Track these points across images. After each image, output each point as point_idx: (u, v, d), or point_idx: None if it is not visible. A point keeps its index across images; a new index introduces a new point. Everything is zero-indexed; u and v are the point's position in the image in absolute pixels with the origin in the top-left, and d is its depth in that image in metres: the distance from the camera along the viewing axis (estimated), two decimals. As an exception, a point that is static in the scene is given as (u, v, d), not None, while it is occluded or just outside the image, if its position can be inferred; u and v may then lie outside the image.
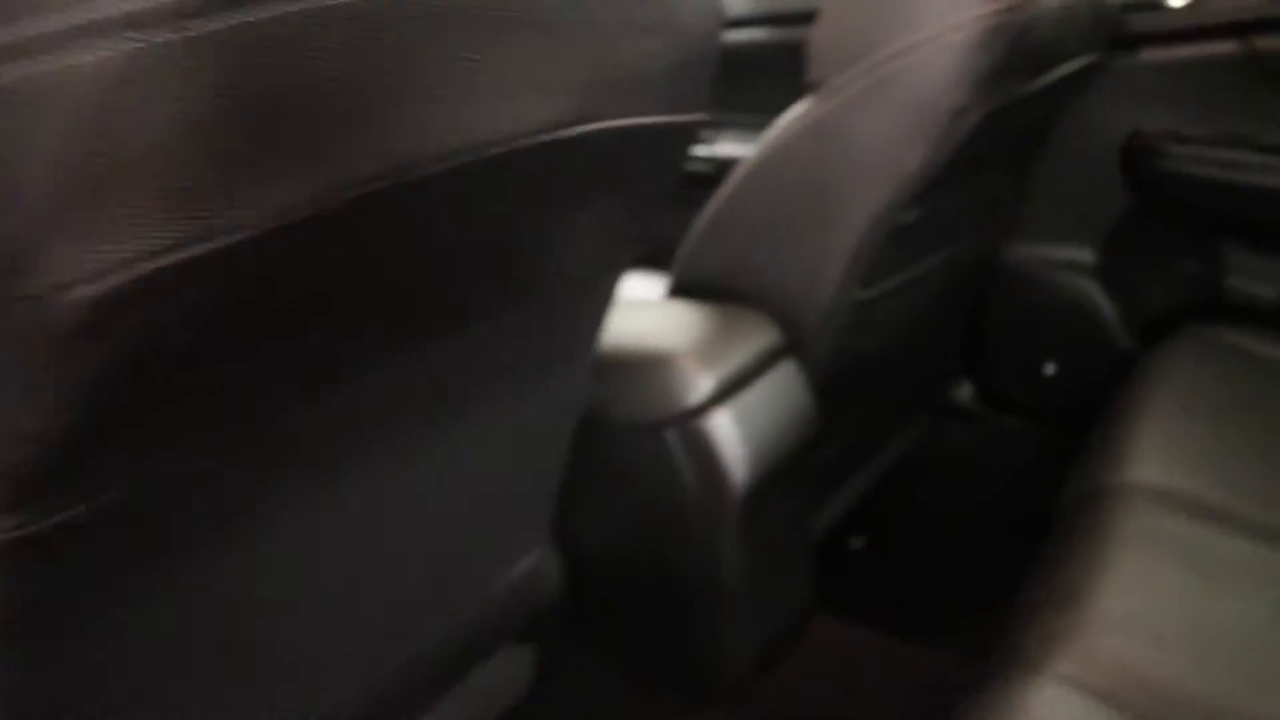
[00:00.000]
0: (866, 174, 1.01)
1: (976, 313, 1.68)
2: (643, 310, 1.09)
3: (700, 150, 1.83)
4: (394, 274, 0.54)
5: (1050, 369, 1.67)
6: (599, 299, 0.80)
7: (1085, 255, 1.61)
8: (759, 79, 1.75)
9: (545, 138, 0.56)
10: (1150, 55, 1.48)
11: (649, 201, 0.76)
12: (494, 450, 0.79)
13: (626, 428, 1.00)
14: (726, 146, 1.81)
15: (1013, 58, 0.98)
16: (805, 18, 1.03)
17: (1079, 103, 1.47)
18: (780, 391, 1.04)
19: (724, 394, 0.98)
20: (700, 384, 0.96)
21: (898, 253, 1.10)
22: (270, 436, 0.55)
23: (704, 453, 0.97)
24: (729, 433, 0.97)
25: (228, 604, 0.61)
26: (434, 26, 0.46)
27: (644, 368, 0.98)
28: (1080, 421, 1.53)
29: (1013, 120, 1.09)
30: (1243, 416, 1.15)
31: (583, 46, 0.56)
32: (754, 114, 1.78)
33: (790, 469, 1.05)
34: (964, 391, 1.77)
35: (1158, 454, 1.07)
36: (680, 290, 1.15)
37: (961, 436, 1.78)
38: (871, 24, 0.98)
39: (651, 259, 1.55)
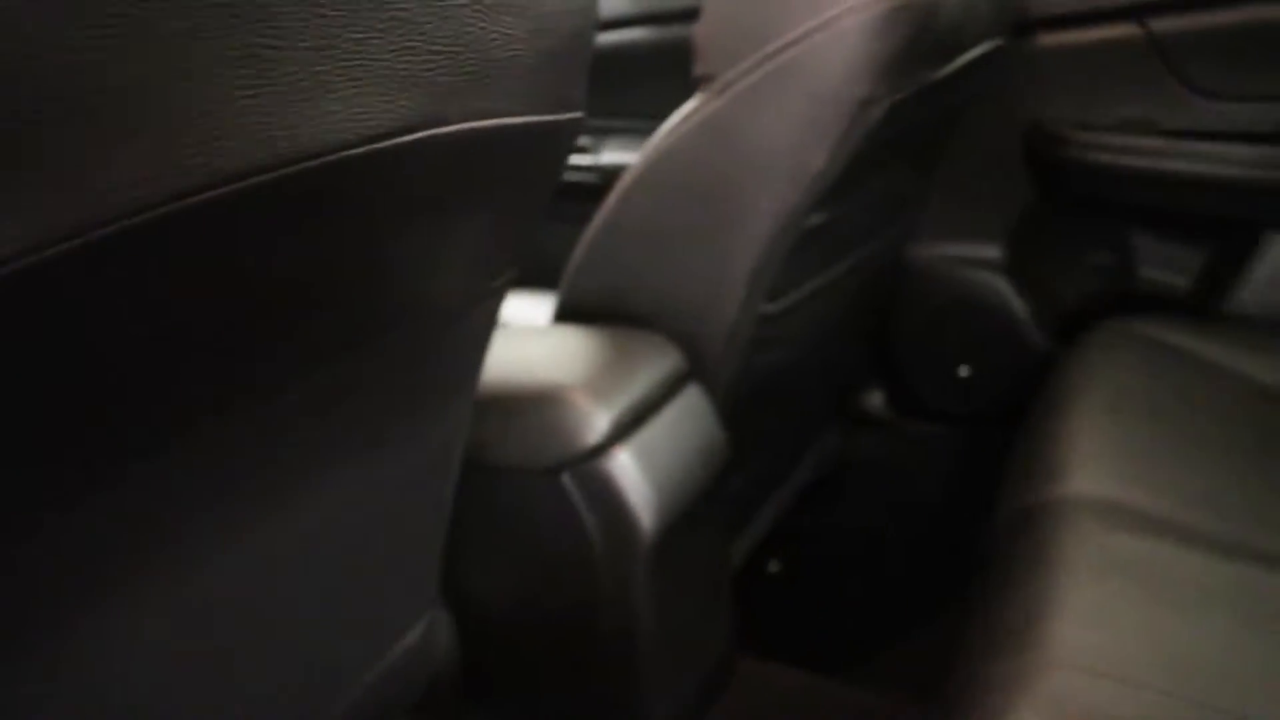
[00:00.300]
0: (767, 175, 0.91)
1: (885, 316, 1.61)
2: (527, 338, 0.99)
3: (584, 159, 1.73)
4: (207, 317, 0.43)
5: (964, 371, 1.61)
6: (476, 329, 0.70)
7: (994, 251, 1.55)
8: (643, 82, 1.67)
9: (383, 145, 0.45)
10: (1050, 40, 1.42)
11: (525, 215, 0.65)
12: (366, 509, 0.68)
13: (516, 473, 0.89)
14: (612, 154, 1.71)
15: (919, 42, 0.89)
16: (689, 15, 0.93)
17: (982, 91, 1.41)
18: (686, 421, 0.94)
19: (624, 430, 0.88)
20: (596, 421, 0.86)
21: (805, 260, 1.01)
22: (102, 510, 0.45)
23: (606, 497, 0.87)
24: (632, 473, 0.87)
25: (85, 687, 0.51)
26: (224, 13, 0.36)
27: (532, 405, 0.88)
28: (999, 424, 1.47)
29: (920, 110, 1.01)
30: (1172, 416, 1.10)
31: (427, 30, 0.45)
32: (639, 119, 1.69)
33: (702, 504, 0.96)
34: (876, 399, 1.70)
35: (1093, 463, 1.00)
36: (568, 314, 1.05)
37: (876, 446, 1.71)
38: (763, 11, 0.88)
39: (537, 278, 1.45)
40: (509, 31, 0.51)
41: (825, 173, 0.91)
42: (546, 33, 0.54)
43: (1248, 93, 1.36)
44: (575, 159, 1.73)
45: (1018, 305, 1.54)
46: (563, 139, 0.62)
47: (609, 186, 1.01)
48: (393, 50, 0.44)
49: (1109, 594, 0.82)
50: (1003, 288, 1.55)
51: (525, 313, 1.31)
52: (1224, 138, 1.36)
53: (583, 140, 1.74)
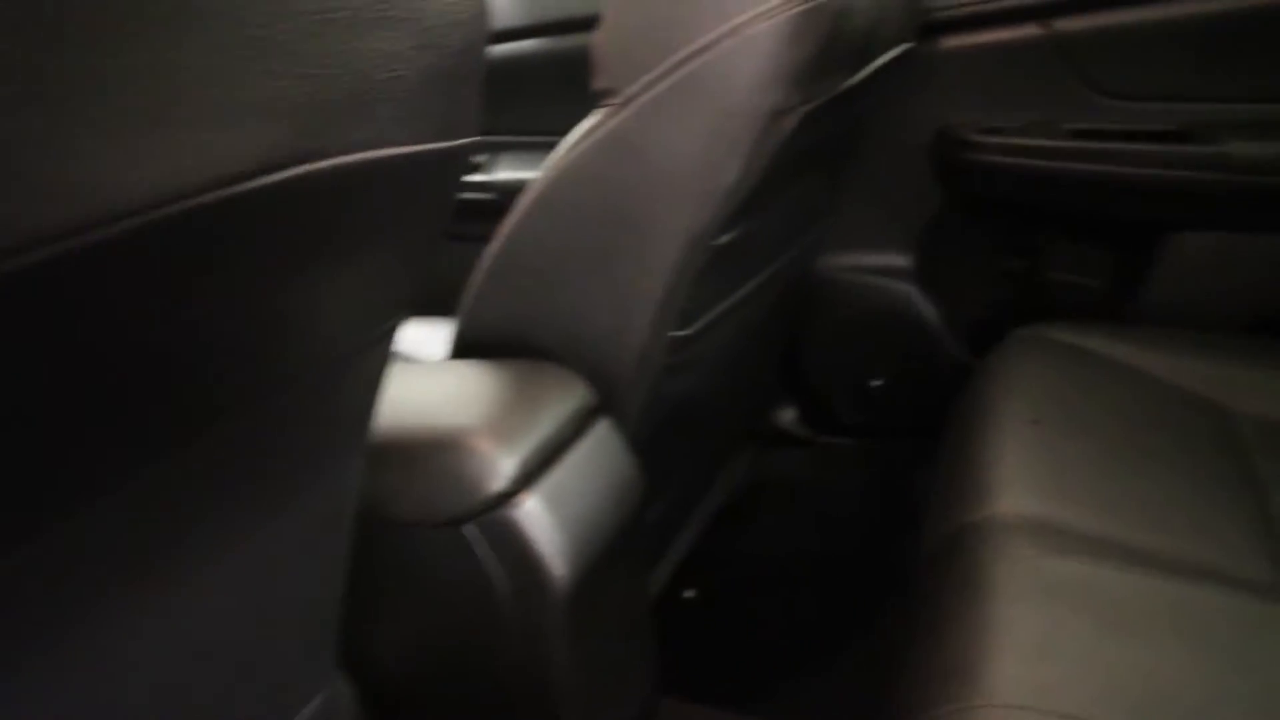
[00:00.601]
0: (675, 193, 0.86)
1: (796, 330, 1.57)
2: (423, 377, 0.92)
3: (479, 177, 1.66)
4: (49, 396, 0.36)
5: (877, 383, 1.58)
6: (367, 376, 0.63)
7: (903, 260, 1.52)
8: (539, 95, 1.61)
9: (243, 188, 0.38)
10: (954, 43, 1.40)
11: (417, 252, 0.59)
12: (254, 576, 0.61)
13: (417, 527, 0.82)
14: (508, 171, 1.64)
15: (830, 48, 0.85)
16: (587, 24, 0.87)
17: (890, 97, 1.38)
18: (597, 459, 0.88)
19: (530, 474, 0.81)
20: (500, 467, 0.79)
21: (716, 280, 0.96)
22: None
23: (514, 547, 0.80)
24: (542, 520, 0.80)
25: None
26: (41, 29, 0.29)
27: (430, 453, 0.81)
28: (915, 437, 1.44)
29: (832, 118, 0.97)
30: (1094, 425, 1.07)
31: (292, 51, 0.39)
32: (538, 134, 1.63)
33: (619, 543, 0.90)
34: (789, 416, 1.67)
35: (1019, 480, 0.97)
36: (466, 347, 0.98)
37: (791, 464, 1.67)
38: (665, 20, 0.83)
39: (433, 304, 1.38)
40: (389, 49, 0.44)
41: (736, 188, 0.86)
42: (432, 48, 0.47)
43: (1150, 93, 1.35)
44: (469, 177, 1.66)
45: (930, 314, 1.52)
46: (455, 167, 0.55)
47: (506, 205, 0.95)
48: (251, 76, 0.37)
49: (1049, 622, 0.78)
50: (914, 296, 1.52)
51: (421, 343, 1.24)
52: (1128, 138, 1.34)
53: (477, 157, 1.67)
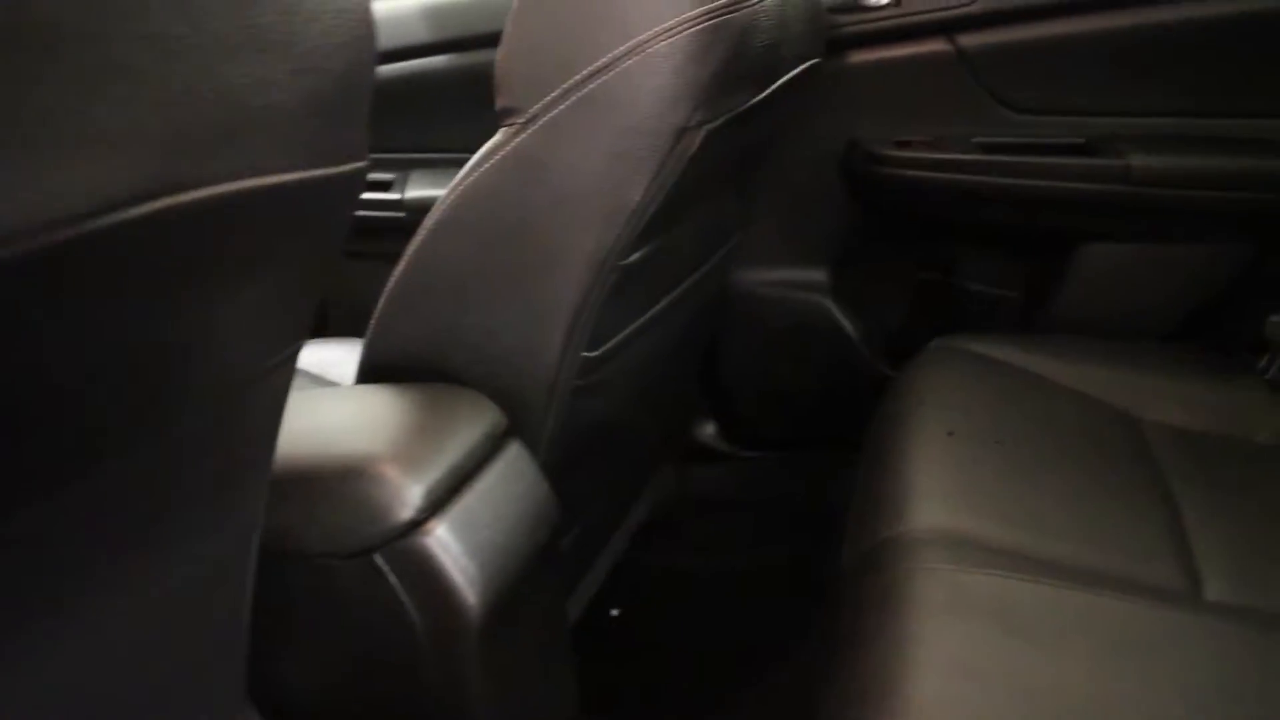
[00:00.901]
0: (580, 214, 0.85)
1: (713, 346, 1.57)
2: (330, 403, 0.90)
3: (390, 195, 1.63)
4: None
5: (797, 397, 1.58)
6: (264, 406, 0.62)
7: (819, 274, 1.53)
8: (449, 111, 1.59)
9: (114, 218, 0.37)
10: (863, 58, 1.41)
11: (310, 279, 0.57)
12: (157, 609, 0.59)
13: (325, 558, 0.80)
14: (418, 189, 1.62)
15: (734, 66, 0.84)
16: (494, 40, 0.86)
17: (800, 112, 1.38)
18: (507, 483, 0.87)
19: (439, 501, 0.80)
20: (408, 494, 0.78)
21: (628, 299, 0.95)
22: None
23: (424, 576, 0.79)
24: (451, 547, 0.79)
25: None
26: None
27: (337, 482, 0.79)
28: (835, 449, 1.44)
29: (739, 135, 0.97)
30: (1008, 436, 1.08)
31: (155, 77, 0.37)
32: (451, 151, 1.61)
33: (534, 567, 0.88)
34: (709, 431, 1.66)
35: (934, 494, 0.97)
36: (374, 371, 0.96)
37: (712, 479, 1.67)
38: (568, 38, 0.82)
39: (347, 324, 1.36)
40: (264, 74, 0.42)
41: (643, 207, 0.85)
42: (312, 72, 0.46)
43: (1056, 107, 1.37)
44: (380, 195, 1.63)
45: (847, 326, 1.52)
46: (344, 192, 0.54)
47: (415, 225, 0.93)
48: (114, 105, 0.35)
49: (966, 638, 0.78)
50: (831, 309, 1.53)
51: (334, 364, 1.22)
52: (1035, 151, 1.36)
53: (388, 175, 1.65)
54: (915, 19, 1.37)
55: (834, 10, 1.36)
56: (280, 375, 0.61)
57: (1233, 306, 1.37)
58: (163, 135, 0.38)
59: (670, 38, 0.79)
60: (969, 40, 1.36)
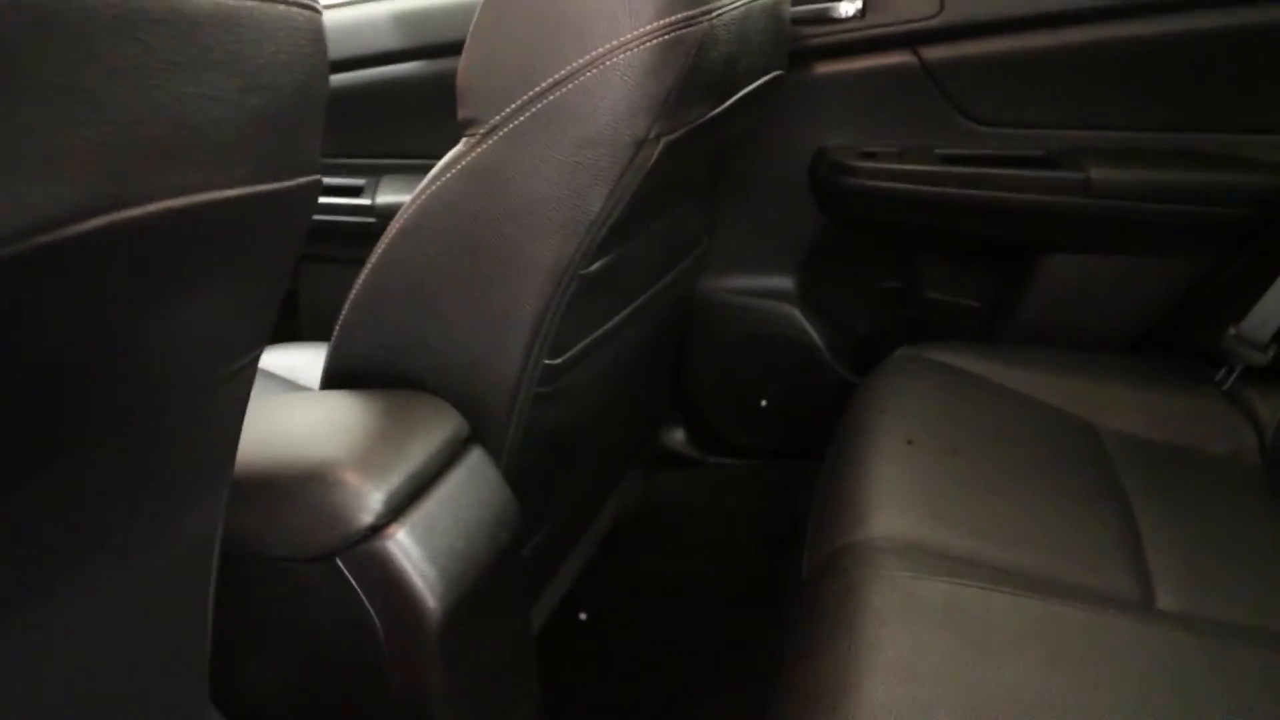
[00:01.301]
0: (540, 224, 0.86)
1: (680, 353, 1.58)
2: (293, 408, 0.90)
3: (360, 200, 1.64)
4: None
5: (763, 404, 1.60)
6: (223, 413, 0.62)
7: (785, 282, 1.54)
8: (419, 117, 1.59)
9: (60, 234, 0.37)
10: (829, 69, 1.42)
11: (266, 286, 0.58)
12: (118, 612, 0.60)
13: (287, 562, 0.81)
14: (389, 195, 1.63)
15: (693, 79, 0.85)
16: (462, 48, 0.87)
17: (766, 122, 1.39)
18: (468, 489, 0.88)
19: (401, 506, 0.81)
20: (370, 499, 0.78)
21: (590, 308, 0.96)
22: None
23: (384, 580, 0.80)
24: (412, 552, 0.80)
25: None
26: None
27: (300, 486, 0.80)
28: (801, 456, 1.45)
29: (699, 146, 0.98)
30: (967, 445, 1.10)
31: (97, 96, 0.38)
32: (422, 157, 1.62)
33: (496, 572, 0.89)
34: (677, 436, 1.67)
35: (892, 501, 0.99)
36: (338, 377, 0.96)
37: (680, 484, 1.68)
38: (528, 50, 0.82)
39: (316, 329, 1.36)
40: (212, 93, 0.43)
41: (602, 218, 0.86)
42: (262, 90, 0.47)
43: (1019, 120, 1.39)
44: (351, 200, 1.64)
45: (813, 335, 1.54)
46: (296, 207, 0.54)
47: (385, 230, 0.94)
48: (59, 124, 0.36)
49: (918, 644, 0.80)
50: (797, 318, 1.54)
51: (302, 368, 1.22)
52: (998, 163, 1.38)
53: (359, 180, 1.65)
54: (880, 31, 1.39)
55: (799, 22, 1.38)
56: (239, 381, 0.62)
57: (1191, 318, 1.39)
58: (108, 153, 0.39)
59: (628, 51, 0.80)
60: (933, 53, 1.38)
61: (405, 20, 1.58)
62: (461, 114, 0.86)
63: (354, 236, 1.60)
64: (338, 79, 1.56)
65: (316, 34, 0.50)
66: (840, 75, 1.42)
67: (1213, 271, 1.38)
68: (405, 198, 0.89)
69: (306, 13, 0.49)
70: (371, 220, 1.61)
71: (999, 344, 1.38)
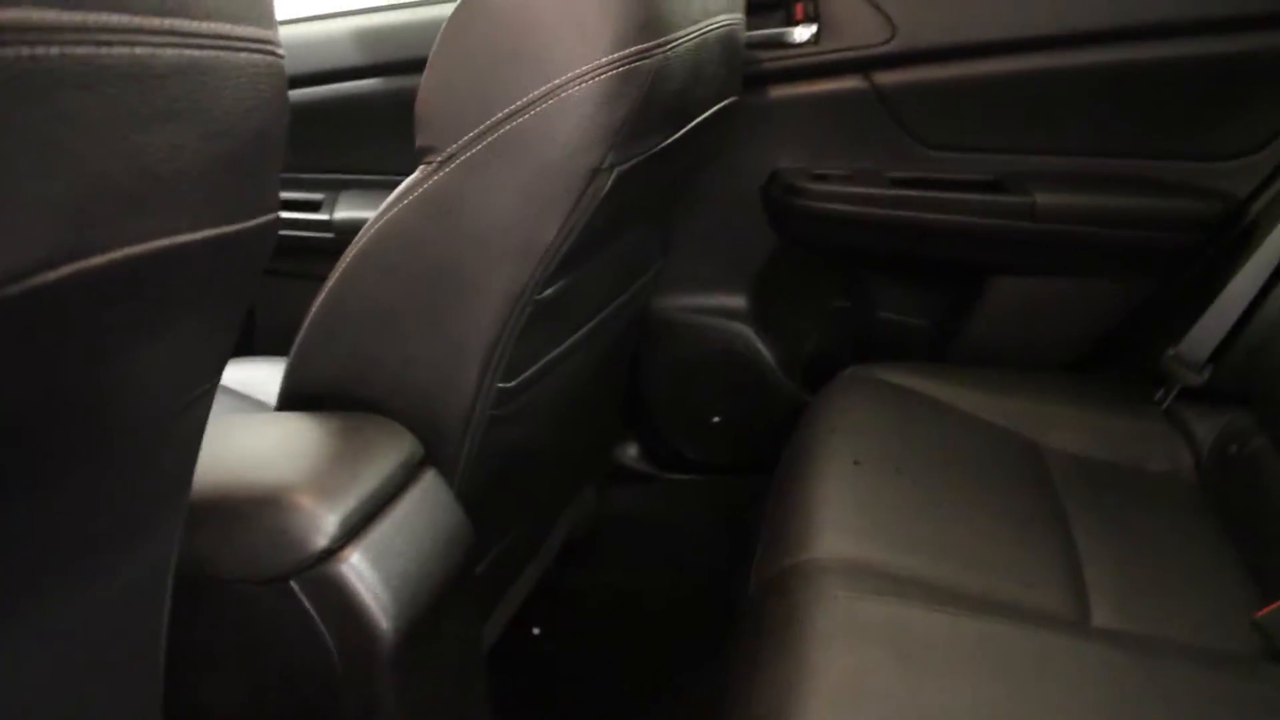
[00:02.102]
0: (496, 251, 0.87)
1: (635, 370, 1.59)
2: (249, 430, 0.91)
3: (319, 216, 1.64)
4: None
5: (716, 420, 1.62)
6: (182, 436, 0.63)
7: (739, 301, 1.57)
8: (378, 134, 1.60)
9: (21, 286, 0.38)
10: (782, 93, 1.44)
11: (225, 321, 0.59)
12: (72, 638, 0.60)
13: (242, 584, 0.82)
14: (347, 210, 1.63)
15: (647, 110, 0.87)
16: (421, 65, 0.88)
17: (721, 145, 1.42)
18: (423, 511, 0.89)
19: (355, 529, 0.82)
20: (324, 522, 0.79)
21: (544, 331, 0.98)
22: None
23: (338, 603, 0.80)
24: (365, 575, 0.81)
25: None
26: None
27: (254, 510, 0.80)
28: (754, 473, 1.47)
29: (655, 174, 0.99)
30: (912, 464, 1.12)
31: (63, 147, 0.39)
32: (380, 173, 1.63)
33: (449, 593, 0.90)
34: (631, 452, 1.69)
35: (838, 522, 1.01)
36: (295, 399, 0.97)
37: (634, 500, 1.69)
38: (486, 80, 0.84)
39: (275, 343, 1.36)
40: (174, 141, 0.45)
41: (557, 245, 0.87)
42: (223, 136, 0.48)
43: (968, 144, 1.42)
44: (309, 216, 1.64)
45: (765, 353, 1.56)
46: (256, 245, 0.56)
47: (344, 247, 0.95)
48: (16, 177, 0.37)
49: (861, 664, 0.81)
50: (750, 336, 1.56)
51: (260, 383, 1.23)
52: (947, 187, 1.41)
53: (317, 196, 1.66)
54: (833, 56, 1.41)
55: (753, 46, 1.40)
56: (198, 409, 0.62)
57: (1133, 339, 1.43)
58: (72, 205, 0.39)
59: (584, 82, 0.82)
60: (885, 78, 1.41)
61: (365, 37, 1.58)
62: (419, 140, 0.87)
63: (311, 252, 1.61)
64: (297, 94, 1.56)
65: (277, 78, 0.51)
66: (794, 99, 1.45)
67: (1154, 293, 1.42)
68: (363, 213, 0.91)
69: (268, 59, 0.50)
70: (330, 236, 1.62)
71: (947, 363, 1.41)
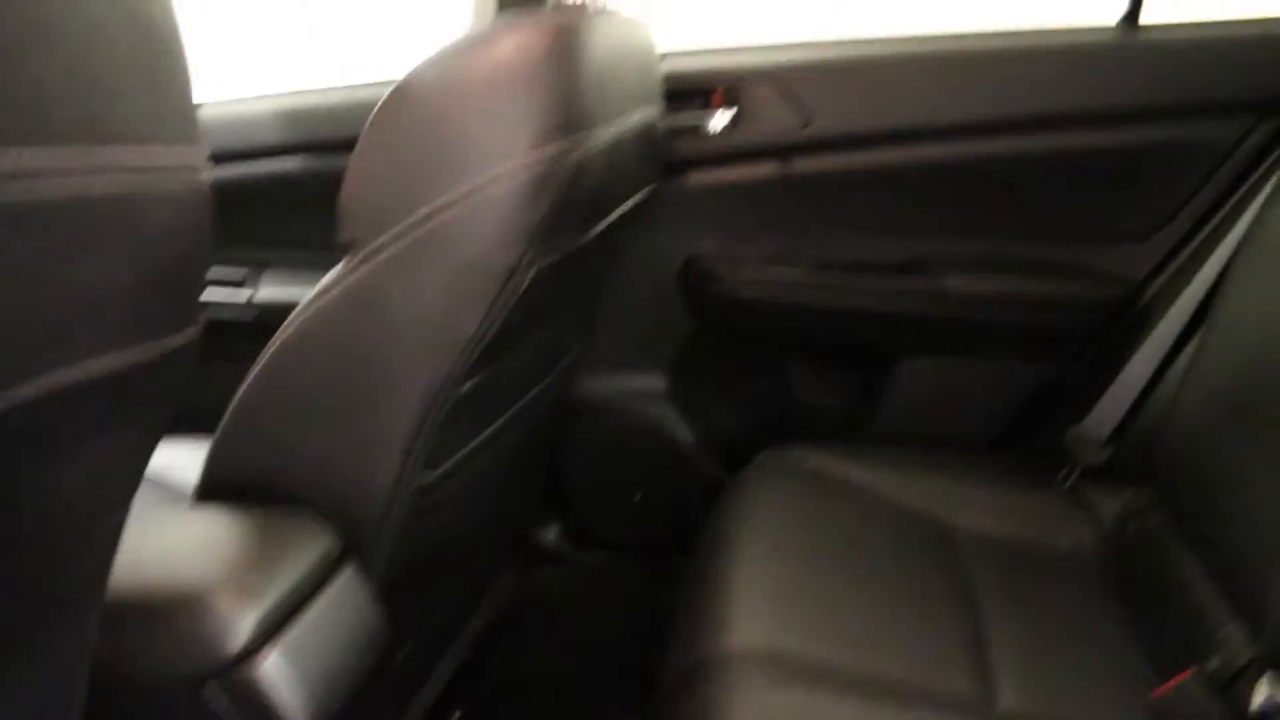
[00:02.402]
0: (417, 346, 0.88)
1: (555, 451, 1.60)
2: (165, 527, 0.91)
3: (241, 295, 1.64)
4: None
5: (635, 502, 1.63)
6: (101, 538, 0.63)
7: (658, 382, 1.59)
8: (302, 212, 1.60)
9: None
10: (699, 180, 1.48)
11: (149, 432, 0.59)
12: None
13: (156, 688, 0.81)
14: (270, 289, 1.63)
15: (567, 208, 0.90)
16: (349, 145, 0.89)
17: (639, 230, 1.44)
18: (340, 608, 0.89)
19: (272, 629, 0.81)
20: (242, 623, 0.79)
21: (465, 422, 0.99)
22: None
23: (256, 706, 0.80)
24: (283, 676, 0.80)
25: None
26: None
27: (170, 611, 0.80)
28: (674, 553, 1.49)
29: (574, 268, 1.02)
30: (826, 549, 1.14)
31: (8, 285, 0.40)
32: (300, 250, 1.63)
33: (364, 691, 0.90)
34: (551, 533, 1.69)
35: (752, 611, 1.03)
36: (214, 490, 0.97)
37: (554, 581, 1.69)
38: (409, 177, 0.86)
39: (192, 422, 1.35)
40: (101, 270, 0.46)
41: (477, 339, 0.89)
42: (150, 259, 0.49)
43: (879, 228, 1.46)
44: (229, 295, 1.63)
45: (684, 434, 1.58)
46: (180, 358, 0.56)
47: (264, 326, 0.95)
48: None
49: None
50: (669, 417, 1.58)
51: (177, 467, 1.21)
52: (861, 270, 1.45)
53: (239, 273, 1.65)
54: (750, 143, 1.45)
55: (671, 134, 1.43)
56: (117, 515, 0.63)
57: (1040, 418, 1.48)
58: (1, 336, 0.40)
59: (505, 183, 0.84)
60: (801, 164, 1.45)
61: (289, 117, 1.59)
62: (342, 234, 0.88)
63: (233, 330, 1.60)
64: (220, 171, 1.56)
65: (202, 202, 0.53)
66: (711, 185, 1.48)
67: (1059, 373, 1.47)
68: (289, 290, 0.91)
69: (194, 185, 0.51)
70: (251, 315, 1.61)
71: (862, 445, 1.44)
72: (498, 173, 0.84)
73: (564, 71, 0.86)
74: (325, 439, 0.93)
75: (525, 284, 0.89)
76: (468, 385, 0.93)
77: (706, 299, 1.50)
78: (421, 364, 0.89)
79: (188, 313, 0.55)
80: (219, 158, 1.58)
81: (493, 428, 1.09)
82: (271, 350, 0.92)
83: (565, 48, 0.87)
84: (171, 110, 0.50)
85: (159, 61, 0.48)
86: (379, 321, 0.88)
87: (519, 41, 0.85)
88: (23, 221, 0.40)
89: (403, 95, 0.85)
